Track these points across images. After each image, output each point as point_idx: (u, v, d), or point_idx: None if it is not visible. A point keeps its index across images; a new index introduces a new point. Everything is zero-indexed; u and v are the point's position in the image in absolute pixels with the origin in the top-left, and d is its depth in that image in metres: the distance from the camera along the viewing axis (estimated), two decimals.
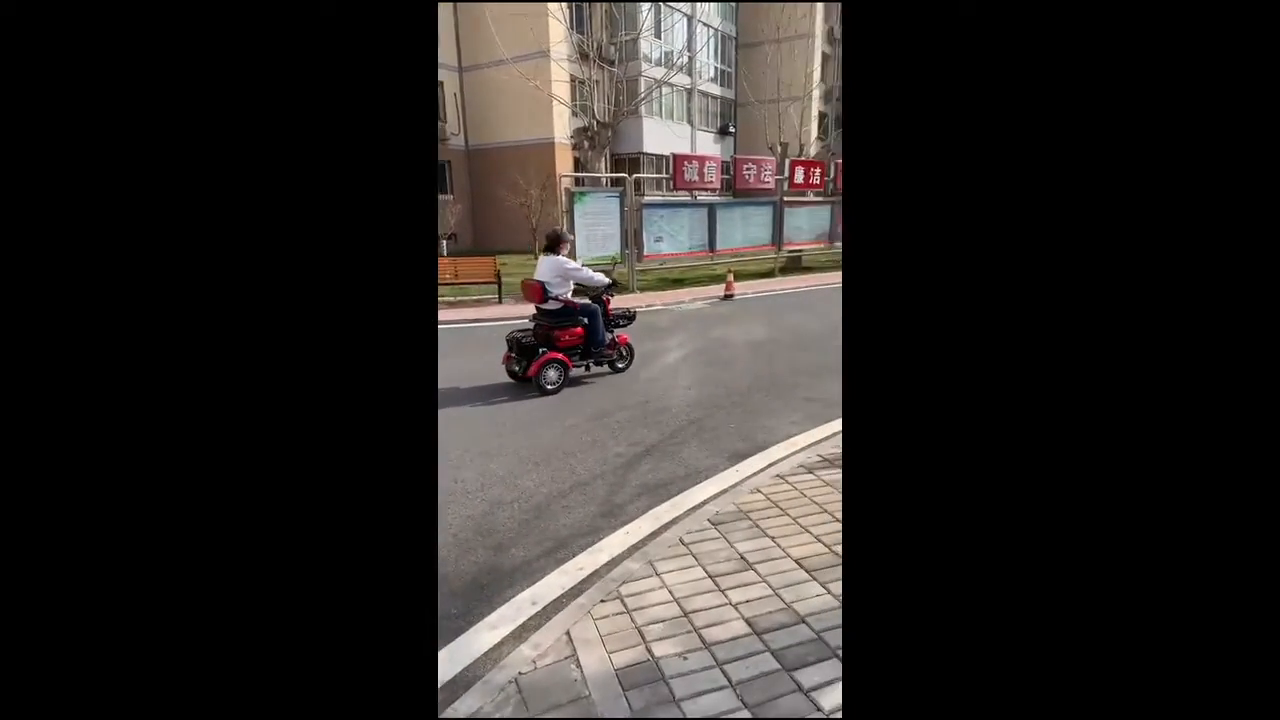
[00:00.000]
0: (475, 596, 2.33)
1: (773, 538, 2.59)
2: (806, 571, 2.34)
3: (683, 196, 11.48)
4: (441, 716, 1.72)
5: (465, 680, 1.88)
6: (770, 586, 2.25)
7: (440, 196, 18.60)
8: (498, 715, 1.70)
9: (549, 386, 4.93)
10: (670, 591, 2.24)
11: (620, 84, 13.45)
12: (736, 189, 11.88)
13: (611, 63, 15.74)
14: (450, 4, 18.68)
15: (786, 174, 12.53)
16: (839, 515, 2.77)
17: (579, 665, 1.88)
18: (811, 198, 13.40)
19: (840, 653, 1.89)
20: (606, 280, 5.37)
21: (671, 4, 21.16)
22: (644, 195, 12.62)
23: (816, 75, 22.94)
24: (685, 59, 22.19)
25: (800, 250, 13.44)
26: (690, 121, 23.87)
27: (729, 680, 1.79)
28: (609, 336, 5.39)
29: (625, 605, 2.16)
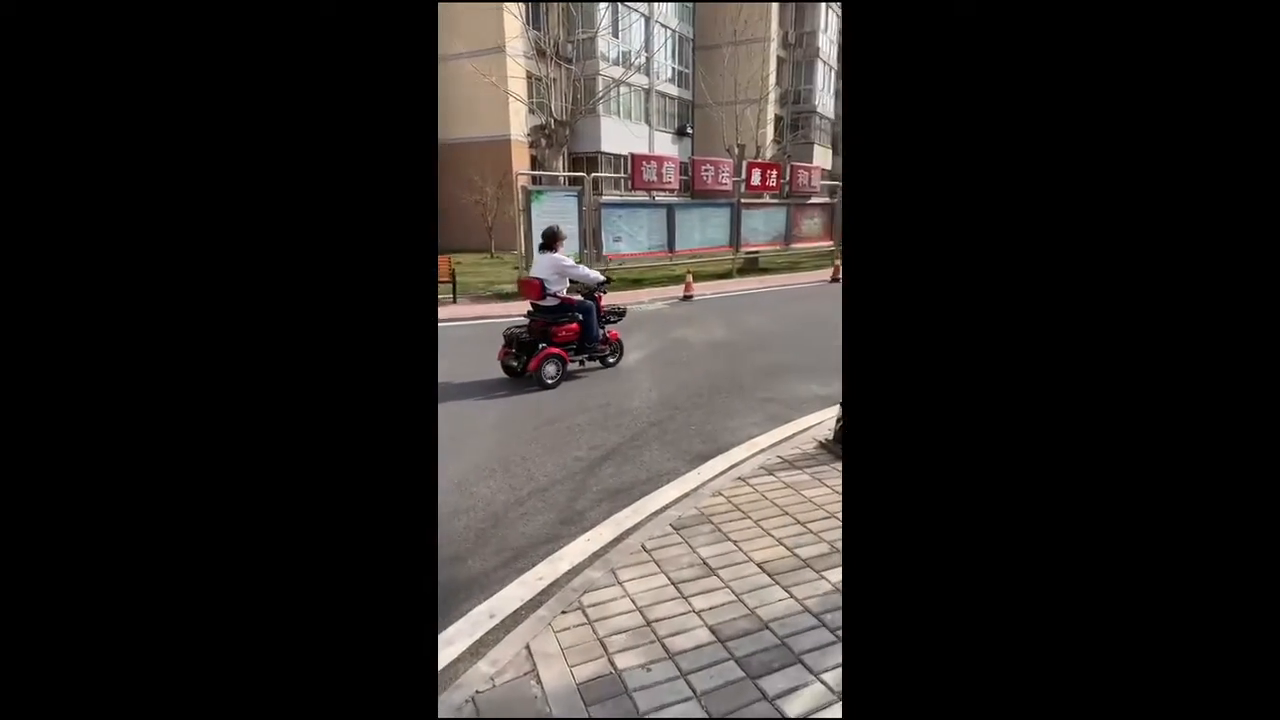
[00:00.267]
0: None
1: (735, 542, 2.58)
2: (769, 575, 2.33)
3: (641, 197, 11.45)
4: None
5: None
6: (733, 592, 2.23)
7: None
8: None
9: (549, 381, 5.04)
10: (633, 600, 2.19)
11: (578, 82, 13.35)
12: (695, 190, 11.92)
13: (569, 60, 15.60)
14: None
15: (744, 176, 12.65)
16: (800, 517, 2.78)
17: (539, 681, 1.81)
18: (768, 200, 13.57)
19: (804, 658, 1.88)
20: (601, 278, 5.53)
21: (629, 4, 21.12)
22: (602, 195, 12.55)
23: (772, 79, 23.28)
24: (643, 59, 22.20)
25: (757, 252, 13.60)
26: (648, 122, 23.90)
27: (693, 691, 1.76)
28: (601, 332, 5.52)
29: (587, 616, 2.11)
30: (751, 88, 18.92)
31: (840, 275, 12.22)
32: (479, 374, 5.43)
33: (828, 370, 5.35)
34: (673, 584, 2.29)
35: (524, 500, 3.11)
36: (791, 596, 2.20)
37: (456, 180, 17.43)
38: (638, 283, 11.56)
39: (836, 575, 2.32)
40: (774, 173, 13.26)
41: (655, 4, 22.70)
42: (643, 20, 22.51)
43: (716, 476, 3.32)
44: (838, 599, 2.18)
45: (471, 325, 7.93)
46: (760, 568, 2.38)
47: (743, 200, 12.75)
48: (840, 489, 3.07)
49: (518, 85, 16.01)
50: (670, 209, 11.57)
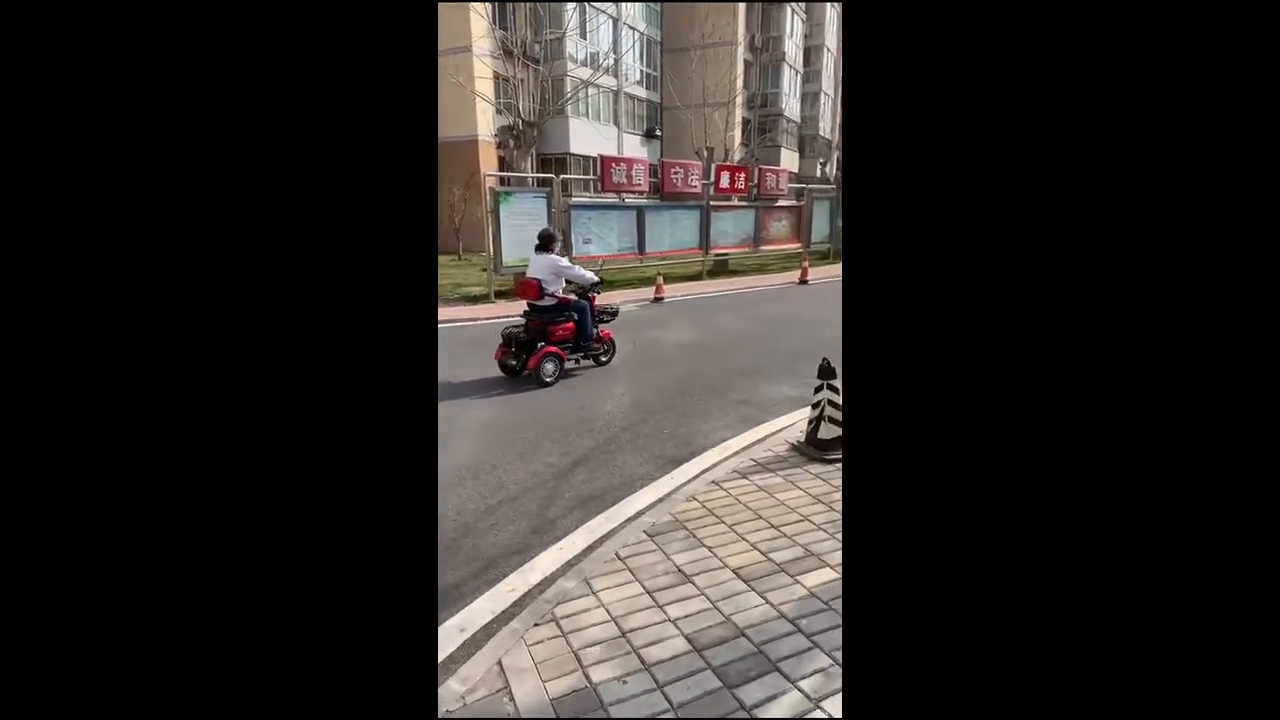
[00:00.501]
0: None
1: (709, 548, 2.56)
2: (744, 581, 2.32)
3: (610, 198, 11.41)
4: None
5: None
6: (709, 599, 2.21)
7: None
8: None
9: (547, 379, 5.15)
10: (607, 610, 2.15)
11: (546, 83, 13.23)
12: (664, 192, 11.92)
13: (536, 61, 15.47)
14: None
15: (713, 179, 12.70)
16: (774, 521, 2.78)
17: (512, 699, 1.76)
18: (737, 202, 13.66)
19: (780, 665, 1.87)
20: (595, 278, 5.70)
21: (596, 5, 21.06)
22: (571, 196, 12.46)
23: (740, 82, 23.48)
24: (611, 61, 22.16)
25: (726, 254, 13.67)
26: (617, 123, 23.86)
27: (670, 703, 1.73)
28: (595, 331, 5.65)
29: (560, 628, 2.06)
30: (719, 91, 19.06)
31: (807, 277, 12.40)
32: (447, 377, 5.32)
33: (799, 372, 5.38)
34: (647, 592, 2.26)
35: (494, 509, 3.05)
36: (767, 602, 2.18)
37: None
38: (609, 284, 11.49)
39: (811, 580, 2.32)
40: (742, 175, 13.34)
41: (623, 5, 22.69)
42: (610, 22, 22.47)
43: (690, 481, 3.30)
44: (813, 604, 2.17)
45: (439, 329, 7.78)
46: (735, 574, 2.37)
47: (712, 203, 12.79)
48: (812, 492, 3.08)
49: (484, 85, 15.82)
50: (640, 211, 11.54)
